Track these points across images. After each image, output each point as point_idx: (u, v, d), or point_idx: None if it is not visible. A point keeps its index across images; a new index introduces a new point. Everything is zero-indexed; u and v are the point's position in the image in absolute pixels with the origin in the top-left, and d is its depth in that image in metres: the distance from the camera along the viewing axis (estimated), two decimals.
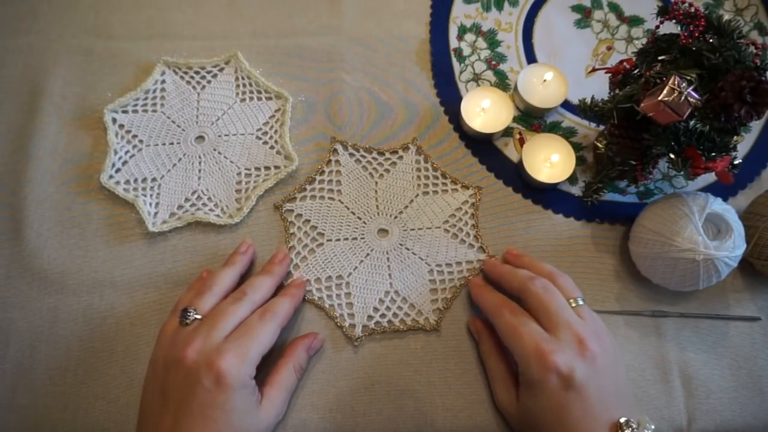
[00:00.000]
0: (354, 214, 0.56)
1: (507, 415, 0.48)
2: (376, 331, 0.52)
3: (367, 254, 0.55)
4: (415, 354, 0.52)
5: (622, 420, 0.41)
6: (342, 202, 0.56)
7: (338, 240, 0.55)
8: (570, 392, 0.42)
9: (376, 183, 0.57)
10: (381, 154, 0.58)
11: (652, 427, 0.42)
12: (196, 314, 0.45)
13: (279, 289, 0.52)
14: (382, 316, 0.52)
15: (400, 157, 0.58)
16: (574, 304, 0.46)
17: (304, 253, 0.54)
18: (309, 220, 0.55)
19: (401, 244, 0.55)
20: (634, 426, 0.41)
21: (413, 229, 0.55)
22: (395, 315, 0.53)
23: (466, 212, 0.56)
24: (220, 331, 0.44)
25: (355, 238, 0.55)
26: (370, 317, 0.52)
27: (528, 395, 0.44)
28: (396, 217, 0.56)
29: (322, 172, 0.57)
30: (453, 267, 0.54)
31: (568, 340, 0.43)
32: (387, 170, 0.58)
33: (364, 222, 0.56)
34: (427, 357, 0.51)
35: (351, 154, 0.58)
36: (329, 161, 0.57)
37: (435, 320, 0.52)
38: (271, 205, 0.56)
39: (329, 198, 0.56)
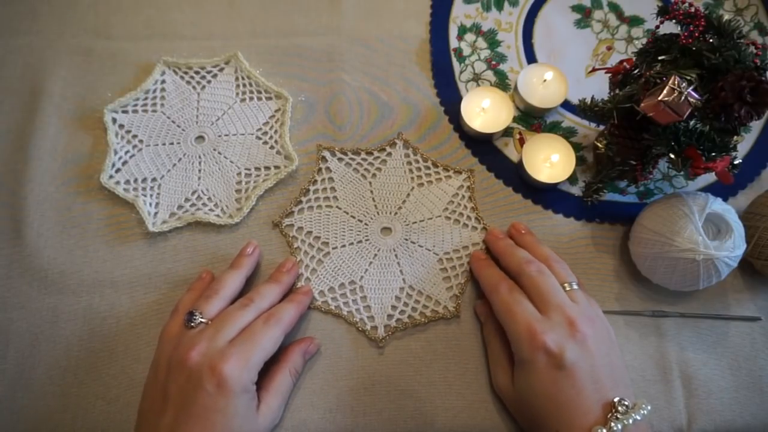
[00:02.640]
0: (354, 217, 0.56)
1: (504, 399, 0.48)
2: (398, 329, 0.52)
3: (375, 255, 0.55)
4: (416, 354, 0.52)
5: (616, 399, 0.41)
6: (340, 208, 0.56)
7: (344, 246, 0.55)
8: (560, 372, 0.42)
9: (370, 183, 0.57)
10: (370, 153, 0.58)
11: (648, 407, 0.42)
12: (201, 318, 0.45)
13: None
14: (402, 312, 0.53)
15: (389, 154, 0.58)
16: (568, 288, 0.47)
17: (312, 265, 0.54)
18: (311, 232, 0.55)
19: (406, 239, 0.55)
20: (628, 405, 0.41)
21: (415, 222, 0.56)
22: (414, 309, 0.53)
23: (463, 196, 0.57)
24: (225, 336, 0.44)
25: (360, 241, 0.55)
26: (389, 316, 0.52)
27: (521, 375, 0.45)
28: (396, 213, 0.56)
29: (315, 182, 0.57)
30: (461, 252, 0.55)
31: (559, 321, 0.44)
32: (378, 169, 0.58)
33: (365, 224, 0.56)
34: (428, 357, 0.51)
35: (340, 159, 0.58)
36: (320, 169, 0.57)
37: (453, 307, 0.52)
38: (271, 206, 0.56)
39: (326, 206, 0.56)
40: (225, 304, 0.48)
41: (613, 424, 0.40)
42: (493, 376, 0.49)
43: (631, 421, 0.40)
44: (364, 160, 0.58)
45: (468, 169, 0.57)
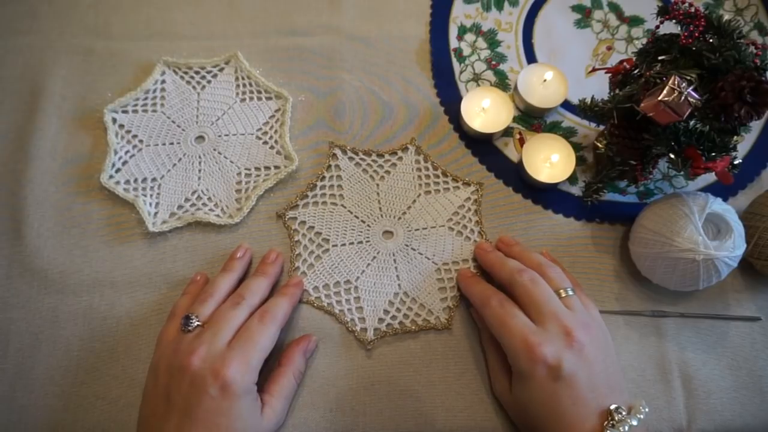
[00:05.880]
0: (357, 217, 0.56)
1: (503, 404, 0.48)
2: (388, 333, 0.52)
3: (374, 257, 0.54)
4: (416, 354, 0.52)
5: (612, 407, 0.42)
6: (345, 207, 0.56)
7: (344, 245, 0.55)
8: (559, 383, 0.42)
9: (378, 185, 0.57)
10: (380, 156, 0.58)
11: (646, 410, 0.42)
12: (197, 321, 0.46)
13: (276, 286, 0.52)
14: (393, 317, 0.52)
15: (400, 158, 0.58)
16: (563, 294, 0.47)
17: (310, 260, 0.54)
18: (313, 227, 0.55)
19: (407, 245, 0.55)
20: (624, 412, 0.42)
21: (418, 229, 0.55)
22: (406, 316, 0.52)
23: (469, 209, 0.57)
24: (223, 338, 0.44)
25: (361, 242, 0.55)
26: (380, 320, 0.52)
27: (519, 386, 0.45)
28: (400, 218, 0.56)
29: (323, 178, 0.57)
30: (460, 264, 0.54)
31: (555, 331, 0.44)
32: (387, 172, 0.58)
33: (368, 225, 0.56)
34: (427, 357, 0.51)
35: (350, 158, 0.58)
36: (329, 166, 0.57)
37: (446, 319, 0.52)
38: (271, 205, 0.56)
39: (332, 203, 0.56)
40: (218, 306, 0.48)
41: (607, 430, 0.41)
42: (491, 382, 0.50)
43: (627, 428, 0.41)
44: (375, 161, 0.58)
45: (477, 182, 0.57)
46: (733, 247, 0.48)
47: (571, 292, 0.47)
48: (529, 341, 0.43)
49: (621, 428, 0.41)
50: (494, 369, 0.49)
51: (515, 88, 0.60)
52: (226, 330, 0.45)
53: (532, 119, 0.61)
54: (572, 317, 0.45)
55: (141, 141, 0.58)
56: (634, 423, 0.41)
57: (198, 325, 0.45)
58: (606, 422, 0.41)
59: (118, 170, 0.56)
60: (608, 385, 0.43)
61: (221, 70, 0.61)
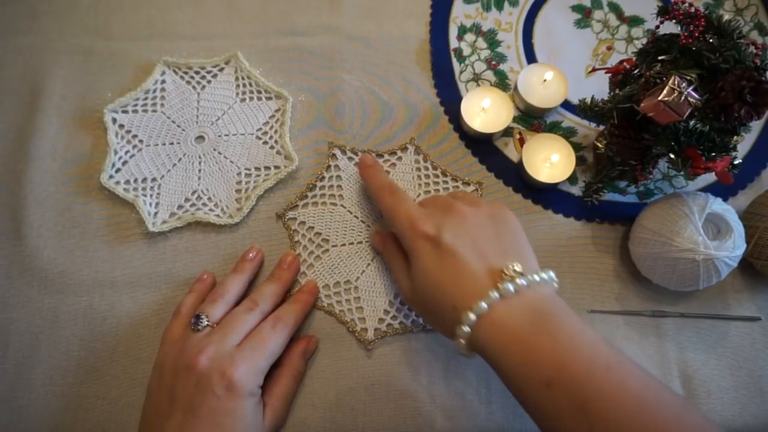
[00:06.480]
0: (357, 218, 0.56)
1: (411, 304, 0.47)
2: (388, 333, 0.52)
3: (374, 257, 0.54)
4: (416, 354, 0.52)
5: (506, 264, 0.40)
6: (345, 207, 0.56)
7: (344, 245, 0.55)
8: (441, 251, 0.42)
9: None
10: (380, 156, 0.58)
11: (553, 276, 0.41)
12: (207, 321, 0.46)
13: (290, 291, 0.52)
14: (393, 318, 0.52)
15: (399, 158, 0.58)
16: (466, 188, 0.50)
17: (310, 261, 0.54)
18: (312, 227, 0.55)
19: None
20: (518, 270, 0.40)
21: None
22: (406, 316, 0.52)
23: None
24: (232, 340, 0.44)
25: (361, 242, 0.55)
26: (381, 320, 0.52)
27: (412, 269, 0.45)
28: None
29: (323, 178, 0.57)
30: None
31: (439, 207, 0.46)
32: (387, 172, 0.58)
33: (368, 225, 0.56)
34: (427, 357, 0.51)
35: (350, 158, 0.58)
36: (329, 166, 0.57)
37: None
38: (271, 205, 0.56)
39: (331, 203, 0.56)
40: (229, 309, 0.48)
41: (500, 284, 0.39)
42: (398, 286, 0.48)
43: (524, 282, 0.39)
44: None
45: (477, 181, 0.57)
46: (733, 247, 0.48)
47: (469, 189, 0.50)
48: (412, 218, 0.45)
49: (519, 281, 0.39)
50: (398, 271, 0.48)
51: (515, 88, 0.60)
52: (237, 333, 0.45)
53: (532, 119, 0.61)
54: (460, 197, 0.47)
55: (141, 141, 0.58)
56: (536, 279, 0.39)
57: (208, 325, 0.46)
58: (499, 279, 0.39)
59: (118, 170, 0.56)
60: (501, 252, 0.42)
61: (221, 70, 0.61)
